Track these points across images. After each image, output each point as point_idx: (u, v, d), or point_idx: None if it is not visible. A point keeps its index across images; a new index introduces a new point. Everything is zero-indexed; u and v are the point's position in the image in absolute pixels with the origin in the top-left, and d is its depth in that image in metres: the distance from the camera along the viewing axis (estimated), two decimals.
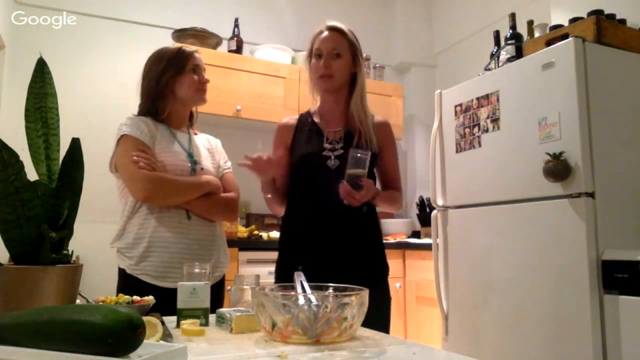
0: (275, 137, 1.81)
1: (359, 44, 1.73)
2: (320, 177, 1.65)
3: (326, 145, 1.68)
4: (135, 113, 1.75)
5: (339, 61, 1.67)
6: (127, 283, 1.59)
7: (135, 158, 1.56)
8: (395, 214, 3.77)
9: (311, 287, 1.09)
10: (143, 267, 1.59)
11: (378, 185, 1.76)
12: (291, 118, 1.83)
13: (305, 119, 1.79)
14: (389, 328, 1.66)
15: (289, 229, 1.75)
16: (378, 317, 1.59)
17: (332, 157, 1.66)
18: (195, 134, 1.86)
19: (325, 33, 1.70)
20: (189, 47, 1.79)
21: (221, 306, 1.61)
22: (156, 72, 1.69)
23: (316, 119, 1.76)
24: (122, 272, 1.64)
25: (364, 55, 1.80)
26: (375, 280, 1.67)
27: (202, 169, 1.71)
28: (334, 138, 1.70)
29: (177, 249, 1.61)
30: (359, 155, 1.54)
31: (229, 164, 1.86)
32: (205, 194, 1.67)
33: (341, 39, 1.69)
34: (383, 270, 1.73)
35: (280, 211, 1.79)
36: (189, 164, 1.68)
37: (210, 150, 1.83)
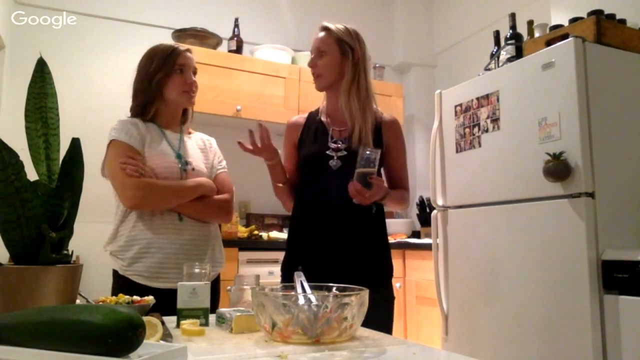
0: (285, 135, 1.82)
1: (355, 40, 1.69)
2: (322, 177, 1.65)
3: (330, 145, 1.67)
4: (129, 114, 1.74)
5: (323, 59, 1.68)
6: (120, 284, 1.59)
7: (122, 165, 1.56)
8: (396, 214, 3.77)
9: (311, 287, 1.09)
10: (135, 268, 1.59)
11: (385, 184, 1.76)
12: (300, 116, 1.83)
13: (313, 117, 1.79)
14: (392, 329, 1.66)
15: (295, 229, 1.75)
16: (381, 318, 1.59)
17: (335, 158, 1.65)
18: (190, 133, 1.84)
19: (317, 33, 1.72)
20: (181, 46, 1.75)
21: (217, 305, 1.61)
22: (147, 72, 1.68)
23: (323, 118, 1.76)
24: (115, 273, 1.65)
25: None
26: (379, 282, 1.67)
27: (193, 169, 1.69)
28: (340, 137, 1.69)
29: (170, 249, 1.60)
30: (368, 153, 1.52)
31: (223, 163, 1.84)
32: (198, 196, 1.66)
33: (326, 37, 1.69)
34: (387, 271, 1.72)
35: (289, 206, 1.79)
36: (179, 165, 1.67)
37: (203, 149, 1.81)
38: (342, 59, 1.68)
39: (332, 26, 1.70)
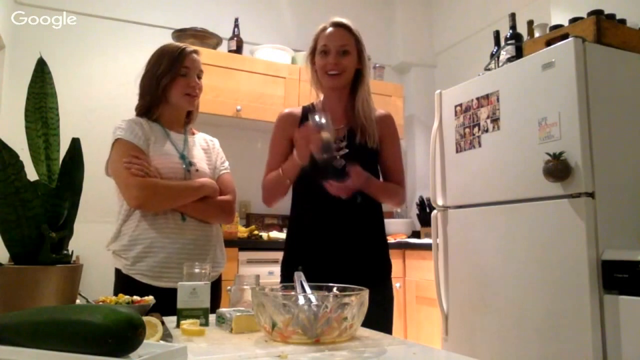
0: (278, 127, 1.76)
1: (362, 40, 1.72)
2: (326, 178, 1.64)
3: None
4: (131, 112, 1.74)
5: (347, 58, 1.67)
6: (123, 283, 1.59)
7: (126, 165, 1.56)
8: (395, 214, 3.77)
9: (311, 287, 1.09)
10: (138, 267, 1.59)
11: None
12: (295, 109, 1.80)
13: (308, 113, 1.77)
14: (392, 329, 1.66)
15: (296, 229, 1.74)
16: (381, 318, 1.59)
17: (338, 157, 1.65)
18: (193, 133, 1.84)
19: (331, 29, 1.68)
20: (189, 47, 1.74)
21: (218, 305, 1.61)
22: (154, 74, 1.68)
23: None
24: (118, 272, 1.64)
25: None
26: (379, 279, 1.67)
27: (197, 170, 1.70)
28: (338, 136, 1.68)
29: (173, 249, 1.61)
30: (317, 117, 1.50)
31: (226, 164, 1.84)
32: (201, 197, 1.66)
33: (348, 36, 1.68)
34: (386, 268, 1.72)
35: (275, 204, 1.73)
36: (183, 166, 1.67)
37: (206, 150, 1.81)
38: (357, 60, 1.70)
39: (351, 25, 1.70)
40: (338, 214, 1.64)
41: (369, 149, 1.67)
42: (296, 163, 1.58)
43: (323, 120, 1.50)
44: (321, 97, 1.78)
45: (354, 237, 1.65)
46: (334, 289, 1.10)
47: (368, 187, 1.63)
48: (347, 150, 1.65)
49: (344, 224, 1.65)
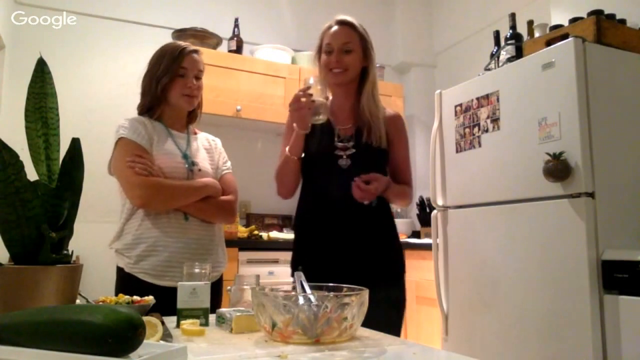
0: (289, 125, 1.74)
1: (369, 37, 1.71)
2: (332, 177, 1.63)
3: (337, 144, 1.66)
4: (129, 112, 1.74)
5: (350, 56, 1.66)
6: (125, 282, 1.59)
7: (130, 164, 1.56)
8: (396, 214, 3.76)
9: (311, 287, 1.09)
10: (141, 266, 1.59)
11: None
12: None
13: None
14: (401, 327, 1.65)
15: (302, 229, 1.74)
16: (390, 316, 1.58)
17: (344, 157, 1.65)
18: (195, 133, 1.84)
19: (335, 27, 1.69)
20: (189, 47, 1.73)
21: (219, 306, 1.61)
22: (154, 74, 1.68)
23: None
24: (120, 270, 1.64)
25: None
26: (391, 279, 1.66)
27: (199, 170, 1.70)
28: (345, 135, 1.68)
29: (176, 248, 1.61)
30: (310, 80, 1.55)
31: (228, 164, 1.84)
32: (204, 197, 1.66)
33: (352, 34, 1.68)
34: (399, 268, 1.71)
35: (288, 189, 1.73)
36: (186, 166, 1.67)
37: (209, 150, 1.81)
38: (363, 57, 1.69)
39: (355, 22, 1.69)
40: (346, 213, 1.63)
41: (375, 148, 1.66)
42: (297, 133, 1.60)
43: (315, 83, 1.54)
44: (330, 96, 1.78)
45: (364, 239, 1.64)
46: (334, 289, 1.10)
47: (388, 191, 1.64)
48: (354, 150, 1.65)
49: (352, 226, 1.63)
